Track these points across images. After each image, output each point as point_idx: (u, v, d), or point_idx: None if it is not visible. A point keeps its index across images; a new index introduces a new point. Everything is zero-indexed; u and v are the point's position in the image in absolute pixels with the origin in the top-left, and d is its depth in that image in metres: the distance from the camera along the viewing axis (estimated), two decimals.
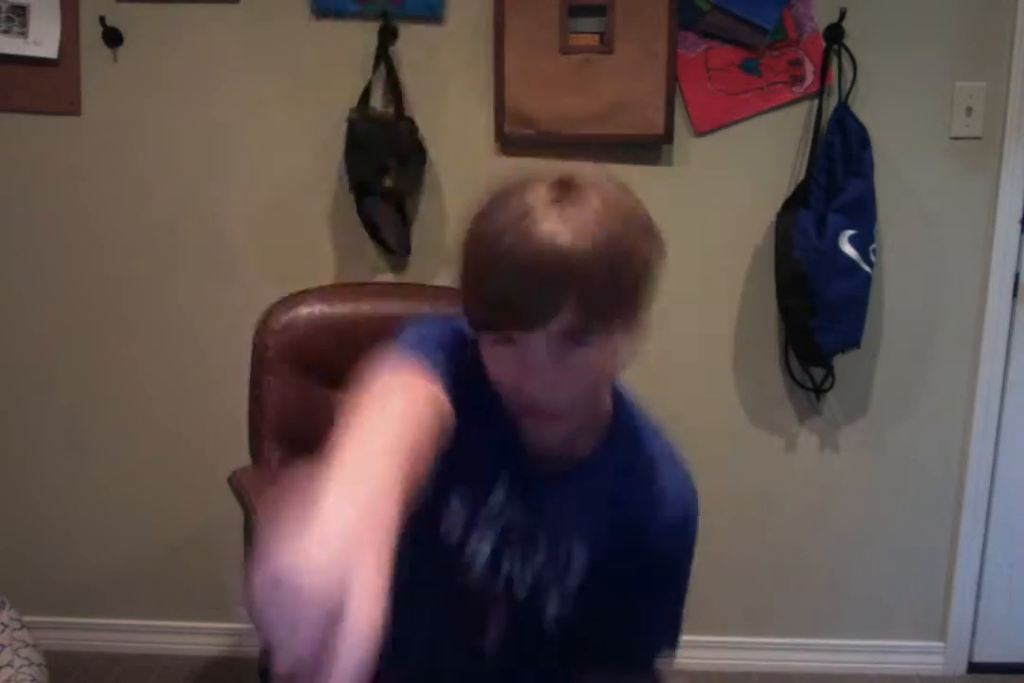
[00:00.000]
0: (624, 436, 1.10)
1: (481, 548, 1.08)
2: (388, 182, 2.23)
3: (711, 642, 2.44)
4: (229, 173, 2.38)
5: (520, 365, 0.95)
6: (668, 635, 1.14)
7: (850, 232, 2.23)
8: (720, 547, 2.36)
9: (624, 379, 1.11)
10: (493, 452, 1.07)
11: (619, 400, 1.11)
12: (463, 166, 2.32)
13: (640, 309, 0.98)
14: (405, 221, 2.31)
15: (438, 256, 2.34)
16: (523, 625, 1.12)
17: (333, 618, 0.64)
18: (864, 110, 2.27)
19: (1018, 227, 2.36)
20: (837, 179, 2.25)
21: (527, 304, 0.92)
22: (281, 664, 0.67)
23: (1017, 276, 2.38)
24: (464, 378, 1.00)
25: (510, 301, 0.92)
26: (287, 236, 2.39)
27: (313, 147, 2.32)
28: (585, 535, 1.09)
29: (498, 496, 1.08)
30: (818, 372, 2.38)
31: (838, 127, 2.25)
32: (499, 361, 0.98)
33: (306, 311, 2.10)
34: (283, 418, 2.06)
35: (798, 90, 2.30)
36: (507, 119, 2.29)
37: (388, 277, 2.39)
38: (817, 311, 2.26)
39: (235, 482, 1.91)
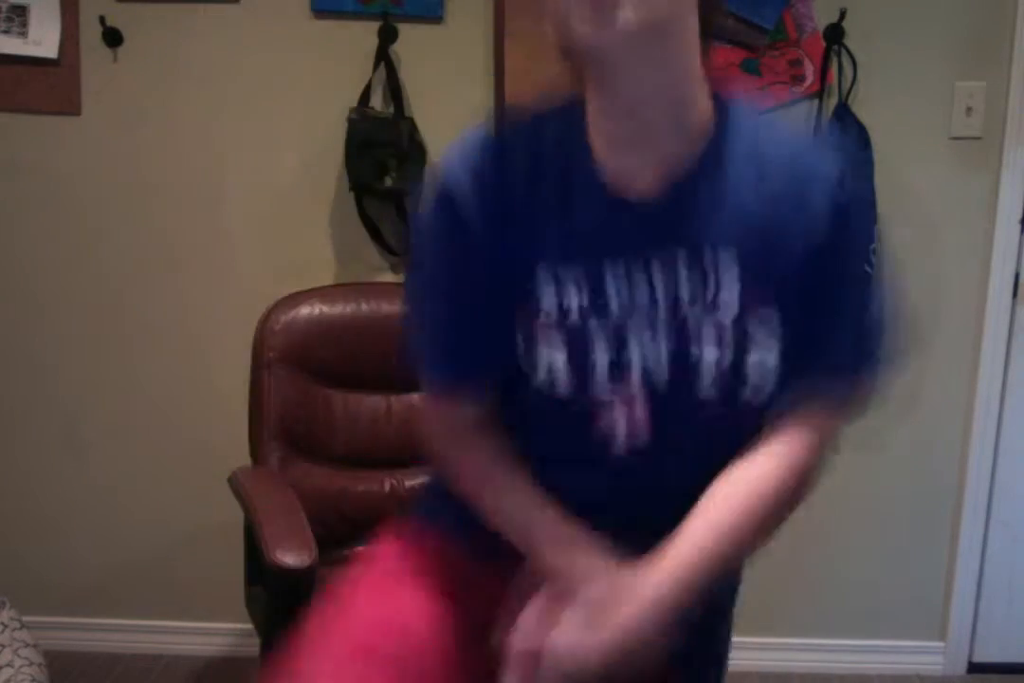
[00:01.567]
0: (736, 131, 0.94)
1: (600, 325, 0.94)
2: (388, 182, 2.23)
3: None
4: (229, 173, 2.38)
5: None
6: (874, 340, 0.99)
7: None
8: None
9: None
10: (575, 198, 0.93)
11: (725, 106, 0.95)
12: None
13: None
14: (405, 221, 2.31)
15: None
16: (665, 414, 0.98)
17: None
18: (864, 110, 2.27)
19: (1018, 227, 2.36)
20: None
21: None
22: None
23: (1017, 276, 2.38)
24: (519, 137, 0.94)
25: None
26: (287, 236, 2.38)
27: (313, 147, 2.32)
28: (726, 239, 0.92)
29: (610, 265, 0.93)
30: None
31: (838, 127, 2.25)
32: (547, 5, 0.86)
33: (306, 311, 2.10)
34: (283, 418, 2.06)
35: (798, 90, 2.30)
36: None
37: (388, 277, 2.39)
38: None
39: (235, 482, 1.91)
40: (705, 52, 0.91)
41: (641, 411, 0.97)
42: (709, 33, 0.92)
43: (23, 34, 2.32)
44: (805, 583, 2.52)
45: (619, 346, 0.95)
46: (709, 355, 0.94)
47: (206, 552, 2.46)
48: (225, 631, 2.53)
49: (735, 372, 0.95)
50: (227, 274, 2.41)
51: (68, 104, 2.36)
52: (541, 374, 0.96)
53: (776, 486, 1.01)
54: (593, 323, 0.94)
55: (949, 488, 2.47)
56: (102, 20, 2.31)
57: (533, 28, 2.23)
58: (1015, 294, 2.39)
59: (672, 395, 0.97)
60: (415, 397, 2.15)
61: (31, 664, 1.95)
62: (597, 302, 0.94)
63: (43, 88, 2.35)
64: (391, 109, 2.28)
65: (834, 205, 0.96)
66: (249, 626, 1.97)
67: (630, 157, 0.93)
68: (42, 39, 2.32)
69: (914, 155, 2.33)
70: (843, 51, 2.27)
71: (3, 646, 1.95)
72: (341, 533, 2.07)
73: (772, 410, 0.99)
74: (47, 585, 2.54)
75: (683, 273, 0.93)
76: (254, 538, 1.72)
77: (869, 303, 1.02)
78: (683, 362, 0.95)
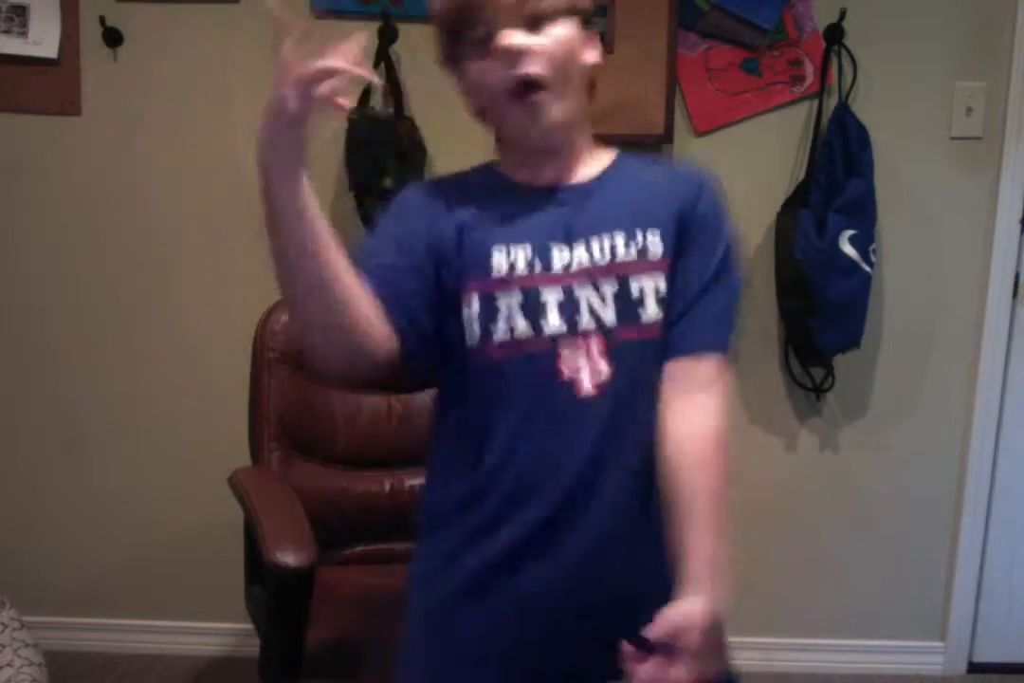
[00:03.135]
0: (627, 160, 1.23)
1: (552, 294, 1.13)
2: (388, 182, 2.23)
3: None
4: (229, 173, 2.37)
5: (497, 56, 1.10)
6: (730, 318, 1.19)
7: (850, 232, 2.23)
8: None
9: None
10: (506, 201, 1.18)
11: (620, 152, 1.23)
12: (463, 166, 2.31)
13: (591, 15, 1.16)
14: None
15: None
16: (619, 350, 1.13)
17: None
18: (864, 110, 2.27)
19: (1018, 227, 2.36)
20: (837, 179, 2.25)
21: None
22: None
23: (1017, 276, 2.38)
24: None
25: None
26: None
27: (313, 147, 2.31)
28: (652, 222, 1.15)
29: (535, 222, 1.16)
30: (818, 372, 2.38)
31: (838, 127, 2.25)
32: (485, 75, 1.13)
33: None
34: (283, 418, 2.06)
35: (798, 90, 2.30)
36: None
37: None
38: (817, 311, 2.26)
39: (235, 482, 1.91)
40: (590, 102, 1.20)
41: (597, 345, 1.12)
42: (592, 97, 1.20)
43: (23, 34, 2.32)
44: (805, 583, 2.52)
45: (567, 292, 1.13)
46: (648, 285, 1.14)
47: (206, 552, 2.46)
48: (225, 631, 2.53)
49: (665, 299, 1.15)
50: (227, 274, 2.41)
51: (68, 104, 2.36)
52: (500, 325, 1.12)
53: (721, 440, 1.13)
54: (540, 275, 1.13)
55: (949, 488, 2.48)
56: (102, 20, 2.31)
57: None
58: (1015, 294, 2.39)
59: (621, 326, 1.13)
60: (415, 397, 2.16)
61: (31, 664, 1.95)
62: (543, 261, 1.13)
63: (43, 88, 2.35)
64: (391, 109, 2.28)
65: (699, 189, 1.18)
66: (249, 626, 1.97)
67: (534, 172, 1.20)
68: (42, 39, 2.32)
69: (914, 155, 2.33)
70: (843, 51, 2.27)
71: (3, 646, 1.96)
72: (341, 533, 2.07)
73: (671, 353, 1.15)
74: (47, 585, 2.54)
75: (619, 239, 1.14)
76: (254, 538, 1.72)
77: (728, 289, 1.18)
78: (626, 295, 1.13)
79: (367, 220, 2.31)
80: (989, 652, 2.55)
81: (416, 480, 2.12)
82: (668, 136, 2.29)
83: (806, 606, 2.53)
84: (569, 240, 1.14)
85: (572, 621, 1.16)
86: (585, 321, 1.12)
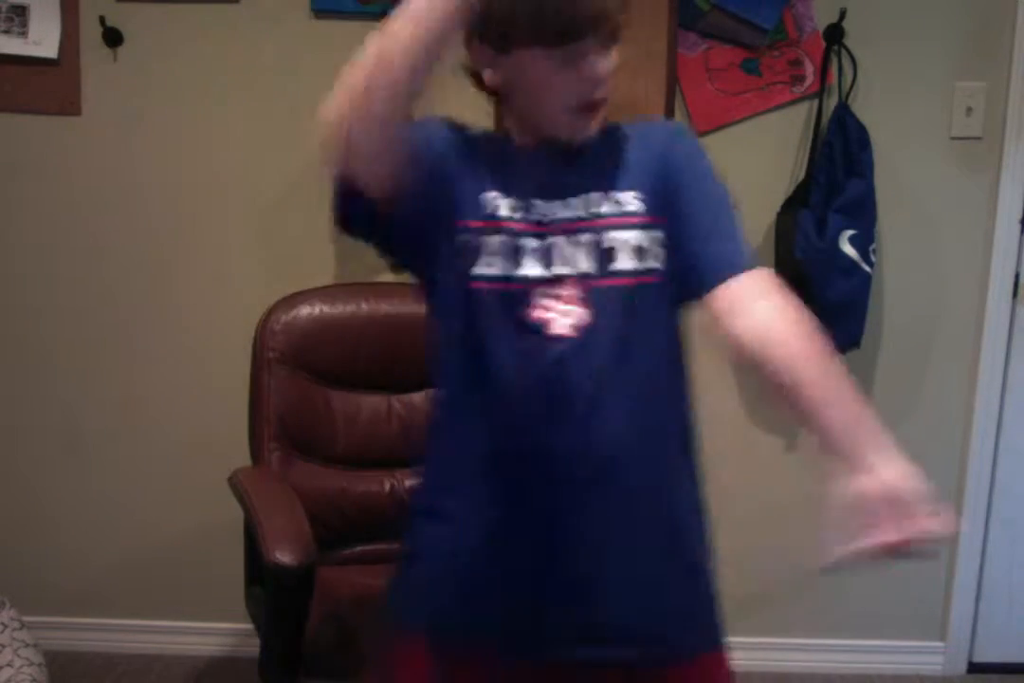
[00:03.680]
0: (613, 126, 1.29)
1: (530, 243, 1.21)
2: None
3: None
4: (229, 173, 2.38)
5: (584, 76, 1.17)
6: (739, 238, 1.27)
7: (850, 232, 2.23)
8: (719, 547, 2.35)
9: None
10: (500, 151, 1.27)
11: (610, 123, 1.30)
12: None
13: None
14: None
15: None
16: (595, 296, 1.20)
17: None
18: (864, 110, 2.27)
19: (1018, 227, 2.36)
20: (837, 179, 2.25)
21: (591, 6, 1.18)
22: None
23: (1017, 276, 2.39)
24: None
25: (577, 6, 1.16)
26: (287, 236, 2.39)
27: (313, 147, 2.32)
28: (630, 182, 1.23)
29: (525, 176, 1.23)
30: None
31: (838, 127, 2.25)
32: (555, 81, 1.18)
33: (306, 311, 2.10)
34: (283, 418, 2.06)
35: (798, 90, 2.30)
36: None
37: (388, 277, 2.38)
38: (817, 311, 2.25)
39: (235, 482, 1.91)
40: None
41: (571, 290, 1.19)
42: None
43: (23, 34, 2.32)
44: (805, 583, 2.51)
45: (543, 240, 1.20)
46: (620, 237, 1.20)
47: (206, 552, 2.46)
48: (225, 631, 2.53)
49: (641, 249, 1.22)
50: (227, 274, 2.41)
51: (68, 104, 2.36)
52: (482, 259, 1.19)
53: (810, 326, 1.24)
54: (520, 223, 1.20)
55: (949, 488, 2.47)
56: (102, 20, 2.31)
57: None
58: (1015, 294, 2.39)
59: (596, 275, 1.20)
60: (415, 397, 2.16)
61: (31, 664, 1.95)
62: (525, 212, 1.21)
63: (43, 88, 2.35)
64: None
65: (673, 131, 1.33)
66: (249, 626, 1.97)
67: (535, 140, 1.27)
68: (42, 39, 2.32)
69: (914, 155, 2.33)
70: (843, 51, 2.27)
71: (3, 646, 1.96)
72: (341, 533, 2.07)
73: (711, 282, 1.22)
74: (47, 585, 2.54)
75: (595, 196, 1.22)
76: (254, 538, 1.72)
77: (730, 205, 1.28)
78: (599, 246, 1.20)
79: None
80: (989, 652, 2.55)
81: (416, 480, 2.12)
82: None
83: (806, 606, 2.53)
84: (550, 197, 1.22)
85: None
86: (558, 268, 1.19)
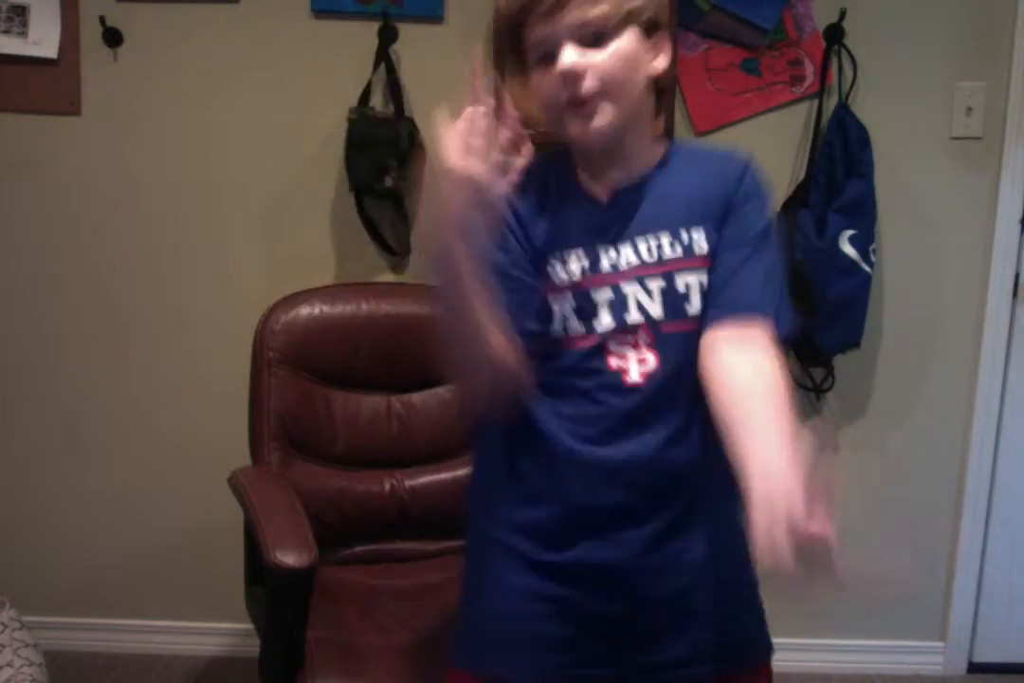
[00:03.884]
0: (677, 153, 1.29)
1: (603, 293, 1.22)
2: (388, 182, 2.23)
3: None
4: (229, 173, 2.38)
5: (558, 71, 1.16)
6: (774, 291, 1.25)
7: (850, 232, 2.23)
8: None
9: None
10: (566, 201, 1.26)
11: (673, 143, 1.31)
12: None
13: (658, 20, 1.21)
14: (405, 221, 2.31)
15: None
16: (664, 342, 1.22)
17: None
18: (864, 110, 2.27)
19: (1018, 227, 2.36)
20: (837, 179, 2.25)
21: None
22: None
23: (1017, 276, 2.39)
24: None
25: None
26: (287, 236, 2.39)
27: (313, 147, 2.32)
28: (697, 220, 1.23)
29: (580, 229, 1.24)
30: (818, 372, 2.38)
31: (838, 127, 2.25)
32: (543, 87, 1.19)
33: (306, 311, 2.10)
34: (283, 418, 2.06)
35: (798, 90, 2.30)
36: None
37: (388, 277, 2.39)
38: (817, 311, 2.26)
39: (235, 482, 1.91)
40: (657, 114, 1.28)
41: (644, 337, 1.21)
42: (661, 109, 1.27)
43: (23, 34, 2.32)
44: (804, 583, 2.51)
45: (615, 290, 1.21)
46: (692, 280, 1.21)
47: (206, 552, 2.46)
48: (225, 631, 2.53)
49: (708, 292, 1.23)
50: (227, 274, 2.41)
51: (68, 104, 2.36)
52: (555, 325, 1.21)
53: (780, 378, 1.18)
54: (590, 277, 1.21)
55: (949, 488, 2.48)
56: (102, 20, 2.31)
57: None
58: (1015, 294, 2.39)
59: (667, 320, 1.21)
60: (415, 397, 2.16)
61: (31, 664, 1.95)
62: (593, 264, 1.22)
63: (43, 88, 2.35)
64: (391, 109, 2.28)
65: (743, 172, 1.27)
66: (249, 626, 1.97)
67: (599, 178, 1.27)
68: (42, 39, 2.32)
69: (914, 155, 2.33)
70: (843, 51, 2.27)
71: (3, 646, 1.95)
72: (341, 533, 2.07)
73: (713, 324, 1.21)
74: (47, 585, 2.54)
75: (664, 238, 1.22)
76: (254, 538, 1.72)
77: (770, 258, 1.25)
78: (673, 291, 1.21)
79: (367, 220, 2.31)
80: (989, 652, 2.55)
81: (415, 480, 2.12)
82: (668, 136, 2.29)
83: (806, 606, 2.53)
84: (617, 241, 1.22)
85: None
86: (633, 316, 1.21)
